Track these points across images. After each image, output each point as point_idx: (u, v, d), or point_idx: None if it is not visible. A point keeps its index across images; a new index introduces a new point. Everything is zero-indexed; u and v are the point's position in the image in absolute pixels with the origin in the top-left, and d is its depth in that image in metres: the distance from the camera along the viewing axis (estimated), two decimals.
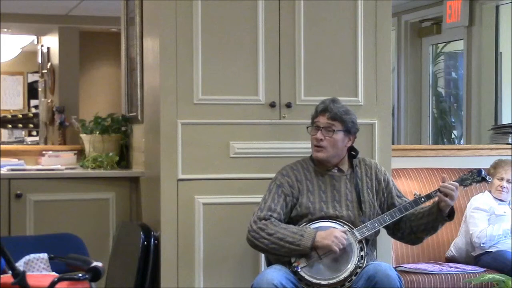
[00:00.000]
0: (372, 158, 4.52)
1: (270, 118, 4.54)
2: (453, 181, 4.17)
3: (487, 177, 4.31)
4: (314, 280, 3.97)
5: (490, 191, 5.29)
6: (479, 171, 4.27)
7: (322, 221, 4.09)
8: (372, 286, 3.92)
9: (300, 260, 4.00)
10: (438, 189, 4.11)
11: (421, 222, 4.17)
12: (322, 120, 4.16)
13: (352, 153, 4.25)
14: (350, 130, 4.17)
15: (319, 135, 4.16)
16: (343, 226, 4.07)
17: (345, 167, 4.23)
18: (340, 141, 4.16)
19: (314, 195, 4.15)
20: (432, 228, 4.18)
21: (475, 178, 4.25)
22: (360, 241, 4.05)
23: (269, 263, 4.24)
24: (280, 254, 4.05)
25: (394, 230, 4.25)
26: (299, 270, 3.98)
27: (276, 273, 3.93)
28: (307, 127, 4.22)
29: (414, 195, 4.18)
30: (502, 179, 5.26)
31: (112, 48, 10.42)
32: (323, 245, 3.98)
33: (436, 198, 4.13)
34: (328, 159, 4.18)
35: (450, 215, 4.16)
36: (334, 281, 3.97)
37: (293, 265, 4.00)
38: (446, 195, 4.07)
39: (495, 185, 5.23)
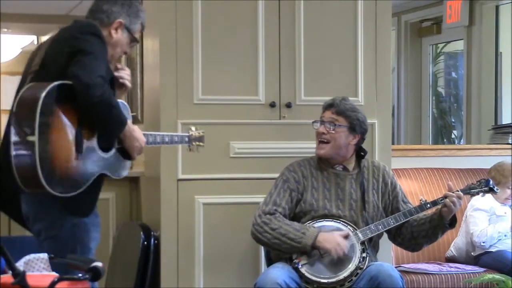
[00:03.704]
0: (372, 158, 4.52)
1: (270, 118, 4.54)
2: (460, 190, 4.19)
3: (495, 188, 4.31)
4: (314, 278, 3.97)
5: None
6: (487, 181, 4.27)
7: (325, 220, 4.10)
8: (375, 287, 3.92)
9: (302, 257, 4.01)
10: (444, 196, 4.11)
11: (422, 228, 4.17)
12: (327, 115, 4.18)
13: (361, 153, 4.25)
14: (355, 127, 4.17)
15: (321, 128, 4.17)
16: (346, 226, 4.08)
17: (351, 166, 4.23)
18: (343, 137, 4.15)
19: (318, 192, 4.15)
20: (432, 235, 4.18)
21: (482, 188, 4.26)
22: (362, 243, 4.05)
23: (269, 262, 4.24)
24: (281, 250, 4.05)
25: (395, 235, 4.25)
26: (300, 267, 3.98)
27: (280, 272, 3.94)
28: (313, 122, 4.22)
29: (420, 200, 4.18)
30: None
31: None
32: (324, 247, 3.98)
33: (461, 194, 4.13)
34: (331, 156, 4.18)
35: (452, 223, 4.16)
36: (334, 280, 3.98)
37: (294, 261, 4.00)
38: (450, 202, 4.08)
39: (506, 194, 5.19)
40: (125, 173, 3.56)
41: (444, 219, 4.11)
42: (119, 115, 3.36)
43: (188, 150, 3.82)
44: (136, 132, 3.46)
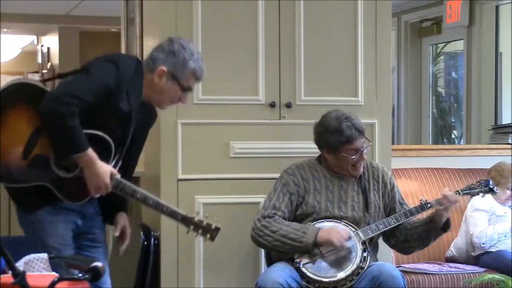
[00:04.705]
0: (372, 158, 4.52)
1: (270, 118, 4.54)
2: (460, 190, 4.22)
3: (495, 188, 4.31)
4: (315, 277, 3.98)
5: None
6: (487, 181, 4.29)
7: (327, 221, 4.10)
8: (376, 287, 3.93)
9: (303, 256, 4.02)
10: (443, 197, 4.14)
11: (416, 231, 4.18)
12: (359, 144, 4.13)
13: None
14: None
15: (361, 156, 4.15)
16: (347, 227, 4.08)
17: None
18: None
19: (321, 194, 4.16)
20: (425, 239, 4.19)
21: (482, 188, 4.27)
22: (363, 242, 4.06)
23: (269, 262, 4.25)
24: (283, 252, 4.06)
25: (390, 237, 4.26)
26: (301, 266, 3.99)
27: (281, 272, 3.95)
28: (329, 150, 4.16)
29: (420, 200, 4.19)
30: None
31: (112, 48, 10.42)
32: (325, 239, 3.98)
33: (458, 197, 4.14)
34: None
35: (445, 228, 4.17)
36: (335, 279, 3.98)
37: (295, 261, 4.01)
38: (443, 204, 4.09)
39: (506, 194, 5.19)
40: (79, 202, 3.53)
41: (438, 223, 4.12)
42: (71, 137, 3.36)
43: (186, 232, 3.60)
44: (98, 168, 3.43)
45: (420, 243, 4.21)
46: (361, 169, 4.19)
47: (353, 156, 4.12)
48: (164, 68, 3.57)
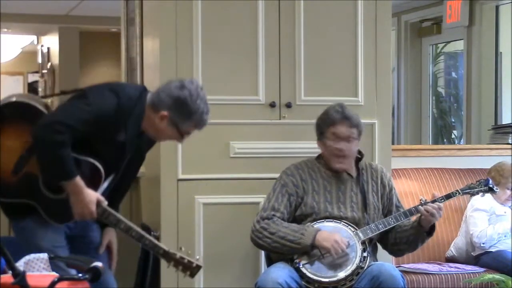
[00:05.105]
0: (372, 158, 4.52)
1: (270, 118, 4.54)
2: (459, 189, 4.25)
3: (494, 188, 4.32)
4: (315, 278, 3.98)
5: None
6: (486, 180, 4.29)
7: (326, 221, 4.10)
8: (376, 286, 3.93)
9: (302, 257, 4.02)
10: (433, 200, 4.14)
11: (404, 235, 4.19)
12: (343, 129, 4.10)
13: (357, 156, 4.25)
14: (361, 133, 4.17)
15: (343, 146, 4.11)
16: (347, 227, 4.08)
17: (353, 171, 4.23)
18: (356, 147, 4.17)
19: (319, 194, 4.15)
20: (412, 242, 4.20)
21: (482, 187, 4.27)
22: (363, 242, 4.06)
23: (269, 261, 4.25)
24: (282, 253, 4.06)
25: (383, 238, 4.26)
26: (301, 266, 3.99)
27: (281, 272, 3.95)
28: (319, 137, 4.17)
29: (420, 200, 4.19)
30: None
31: (112, 48, 10.43)
32: (323, 246, 3.98)
33: (442, 205, 4.14)
34: (348, 169, 4.17)
35: (430, 232, 4.18)
36: (334, 279, 3.98)
37: (294, 261, 4.01)
38: (428, 212, 4.09)
39: (506, 194, 5.19)
40: (63, 222, 3.53)
41: (424, 227, 4.12)
42: (59, 165, 3.34)
43: (167, 266, 3.53)
44: (84, 197, 3.41)
45: (408, 246, 4.22)
46: (344, 166, 4.15)
47: (334, 141, 4.09)
48: (167, 114, 3.51)
